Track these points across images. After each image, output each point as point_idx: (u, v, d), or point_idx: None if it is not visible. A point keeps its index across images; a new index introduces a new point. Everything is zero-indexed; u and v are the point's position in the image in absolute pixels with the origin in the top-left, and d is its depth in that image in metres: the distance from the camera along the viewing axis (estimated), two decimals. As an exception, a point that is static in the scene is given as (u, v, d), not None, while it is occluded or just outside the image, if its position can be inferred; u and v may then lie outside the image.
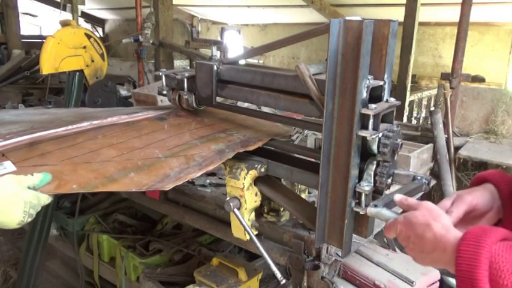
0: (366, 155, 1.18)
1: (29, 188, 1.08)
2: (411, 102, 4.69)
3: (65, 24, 3.57)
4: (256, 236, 1.48)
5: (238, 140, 1.54)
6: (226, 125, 1.70)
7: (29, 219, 1.06)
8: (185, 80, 1.70)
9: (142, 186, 1.20)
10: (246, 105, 2.18)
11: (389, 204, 1.00)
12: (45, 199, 1.11)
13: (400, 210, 0.95)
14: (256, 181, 1.46)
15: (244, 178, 1.41)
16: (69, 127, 1.53)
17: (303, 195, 1.62)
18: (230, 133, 1.61)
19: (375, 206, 1.02)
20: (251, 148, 1.48)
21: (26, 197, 1.05)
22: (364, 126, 1.12)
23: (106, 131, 1.54)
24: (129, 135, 1.53)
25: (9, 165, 1.18)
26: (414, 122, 4.67)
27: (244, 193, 1.43)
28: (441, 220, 0.83)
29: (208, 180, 1.95)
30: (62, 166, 1.24)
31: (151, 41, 4.90)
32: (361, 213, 1.20)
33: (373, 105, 1.10)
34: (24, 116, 1.89)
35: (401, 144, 1.17)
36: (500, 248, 0.73)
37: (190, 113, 1.79)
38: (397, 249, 2.11)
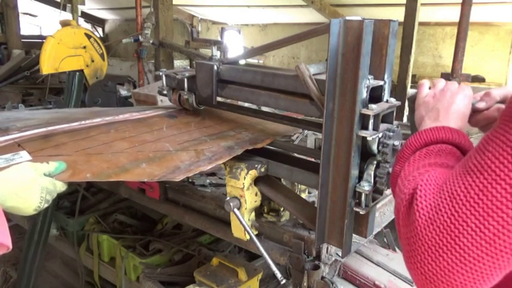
0: (366, 155, 1.18)
1: (45, 174, 1.10)
2: (411, 102, 4.68)
3: (65, 24, 3.57)
4: (256, 236, 1.48)
5: (247, 138, 1.57)
6: (234, 124, 1.73)
7: (45, 205, 1.07)
8: (185, 79, 1.70)
9: (154, 177, 1.23)
10: (246, 104, 2.18)
11: None
12: (61, 186, 1.14)
13: None
14: (256, 181, 1.46)
15: (244, 178, 1.41)
16: (82, 122, 1.60)
17: (303, 195, 1.62)
18: (238, 131, 1.64)
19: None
20: (259, 146, 1.51)
21: (43, 183, 1.07)
22: (364, 127, 1.12)
23: (118, 126, 1.60)
24: (141, 130, 1.58)
25: (25, 155, 1.22)
26: (414, 122, 4.66)
27: (244, 193, 1.43)
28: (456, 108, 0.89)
29: (208, 180, 1.95)
30: (76, 156, 1.28)
31: (151, 41, 4.91)
32: (361, 213, 1.20)
33: (373, 106, 1.10)
34: (38, 114, 1.96)
35: (402, 144, 1.17)
36: (419, 154, 0.79)
37: (199, 112, 1.83)
38: (397, 249, 2.11)
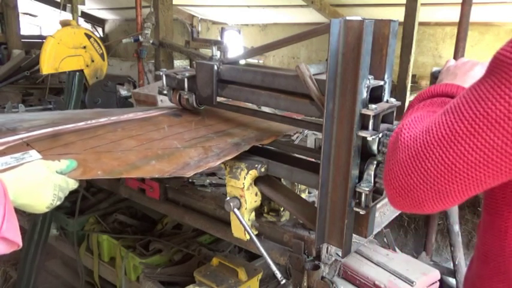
0: (366, 155, 1.18)
1: (57, 172, 1.11)
2: (411, 102, 4.68)
3: (65, 24, 3.56)
4: (256, 236, 1.48)
5: (252, 135, 1.59)
6: (238, 122, 1.75)
7: (58, 203, 1.09)
8: (185, 79, 1.70)
9: (165, 173, 1.24)
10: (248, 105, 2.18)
11: None
12: (73, 183, 1.15)
13: None
14: (256, 181, 1.46)
15: (244, 178, 1.41)
16: (89, 122, 1.61)
17: (303, 195, 1.62)
18: (243, 129, 1.66)
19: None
20: (266, 142, 1.54)
21: (56, 180, 1.08)
22: (365, 127, 1.12)
23: (124, 125, 1.62)
24: (147, 128, 1.60)
25: (34, 154, 1.23)
26: (414, 122, 4.66)
27: (244, 193, 1.43)
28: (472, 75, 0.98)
29: (208, 180, 1.95)
30: (85, 155, 1.30)
31: (151, 41, 4.89)
32: (361, 213, 1.20)
33: (373, 106, 1.10)
34: (42, 115, 1.98)
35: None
36: (423, 103, 0.90)
37: (204, 111, 1.84)
38: (397, 249, 2.11)
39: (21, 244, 0.89)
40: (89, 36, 3.62)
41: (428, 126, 0.72)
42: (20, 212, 1.00)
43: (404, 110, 0.97)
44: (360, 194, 1.17)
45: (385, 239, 2.13)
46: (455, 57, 3.20)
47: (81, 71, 3.50)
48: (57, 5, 7.20)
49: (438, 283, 1.70)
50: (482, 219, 0.92)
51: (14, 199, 0.96)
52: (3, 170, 1.07)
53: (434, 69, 1.18)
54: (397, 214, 1.78)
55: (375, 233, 1.40)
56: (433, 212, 0.75)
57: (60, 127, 1.51)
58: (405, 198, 0.74)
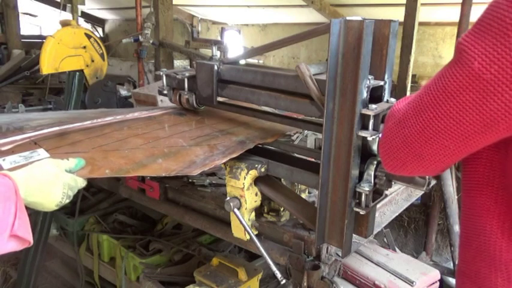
0: (366, 155, 1.18)
1: (66, 171, 1.12)
2: (411, 102, 4.67)
3: (65, 24, 3.56)
4: (256, 236, 1.48)
5: (256, 133, 1.60)
6: (241, 121, 1.76)
7: (67, 201, 1.09)
8: (185, 79, 1.70)
9: (171, 172, 1.24)
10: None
11: None
12: (82, 182, 1.16)
13: None
14: (257, 181, 1.46)
15: (245, 178, 1.41)
16: (95, 121, 1.62)
17: (303, 195, 1.62)
18: (246, 127, 1.68)
19: None
20: (269, 140, 1.55)
21: (65, 179, 1.09)
22: (365, 127, 1.12)
23: (130, 124, 1.64)
24: (153, 127, 1.62)
25: (42, 152, 1.24)
26: (414, 122, 4.65)
27: (245, 193, 1.43)
28: None
29: (208, 180, 1.94)
30: (93, 153, 1.30)
31: (151, 41, 4.89)
32: (361, 213, 1.20)
33: (373, 106, 1.10)
34: (49, 115, 2.00)
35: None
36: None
37: (207, 110, 1.85)
38: (397, 249, 2.11)
39: (32, 241, 0.90)
40: (89, 36, 3.61)
41: (410, 99, 0.82)
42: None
43: None
44: (360, 194, 1.17)
45: (385, 239, 2.13)
46: (455, 57, 3.21)
47: (81, 71, 3.50)
48: (57, 5, 7.20)
49: (438, 283, 1.70)
50: (462, 203, 0.95)
51: (25, 197, 0.97)
52: (13, 169, 1.08)
53: None
54: (397, 214, 1.78)
55: (375, 233, 1.40)
56: (415, 174, 0.88)
57: (66, 126, 1.52)
58: (392, 160, 0.86)
